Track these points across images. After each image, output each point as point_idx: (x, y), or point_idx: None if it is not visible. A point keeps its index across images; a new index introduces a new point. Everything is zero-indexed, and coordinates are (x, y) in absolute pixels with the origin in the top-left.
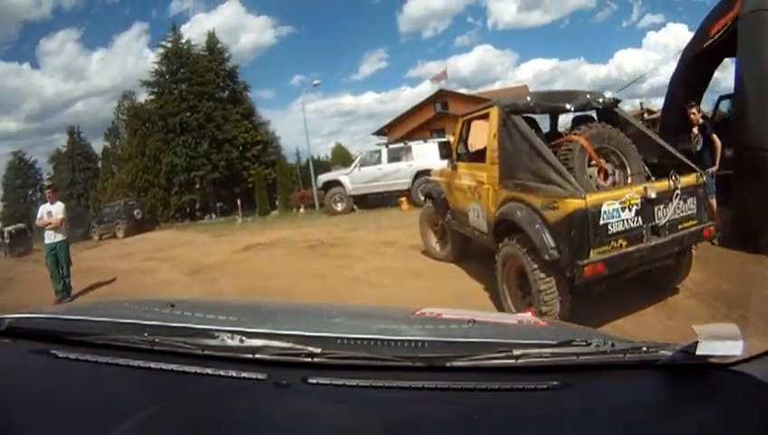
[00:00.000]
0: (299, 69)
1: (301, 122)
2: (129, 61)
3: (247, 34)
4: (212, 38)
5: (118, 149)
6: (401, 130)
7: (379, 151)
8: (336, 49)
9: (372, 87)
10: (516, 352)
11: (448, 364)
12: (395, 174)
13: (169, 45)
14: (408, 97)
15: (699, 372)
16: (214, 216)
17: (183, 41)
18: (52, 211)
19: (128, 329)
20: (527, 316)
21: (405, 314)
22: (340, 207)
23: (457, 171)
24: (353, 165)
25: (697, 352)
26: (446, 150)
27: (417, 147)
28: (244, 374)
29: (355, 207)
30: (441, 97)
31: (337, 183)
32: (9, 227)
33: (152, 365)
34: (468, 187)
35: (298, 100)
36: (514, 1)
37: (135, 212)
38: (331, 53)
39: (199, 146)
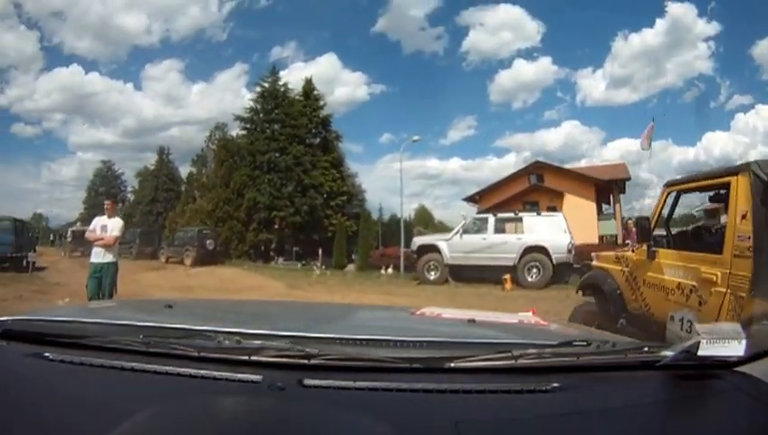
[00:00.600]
0: (388, 127)
1: (384, 180)
2: (227, 97)
3: (342, 88)
4: (309, 84)
5: (203, 176)
6: (493, 199)
7: (486, 220)
8: (426, 112)
9: (459, 153)
10: (516, 352)
11: (447, 365)
12: (501, 247)
13: (266, 85)
14: (493, 166)
15: (701, 373)
16: (283, 260)
17: (281, 83)
18: (107, 226)
19: (122, 331)
20: (528, 315)
21: (405, 313)
22: (433, 275)
23: (656, 260)
24: (455, 231)
25: (699, 353)
26: (641, 229)
27: (529, 219)
28: (240, 377)
29: (449, 278)
30: (537, 169)
31: (434, 249)
32: (74, 228)
33: (147, 367)
34: (676, 285)
35: (384, 157)
36: (603, 78)
37: (207, 242)
38: (422, 116)
39: (284, 187)
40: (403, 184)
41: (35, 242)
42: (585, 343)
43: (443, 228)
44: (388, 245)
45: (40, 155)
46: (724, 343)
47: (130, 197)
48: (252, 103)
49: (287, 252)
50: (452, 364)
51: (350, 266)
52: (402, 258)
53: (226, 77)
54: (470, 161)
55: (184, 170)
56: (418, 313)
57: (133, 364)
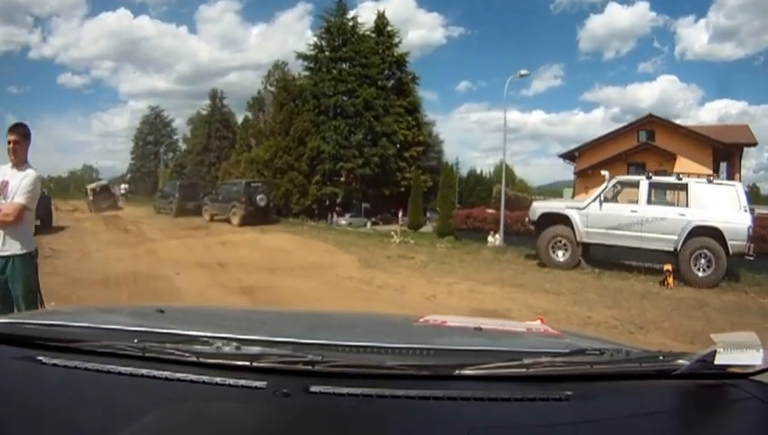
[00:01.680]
0: (466, 74)
1: (459, 132)
2: (290, 39)
3: (416, 30)
4: (381, 19)
5: (260, 121)
6: (593, 157)
7: (637, 183)
8: (508, 59)
9: (542, 106)
10: (527, 360)
11: (456, 373)
12: (657, 224)
13: (333, 20)
14: (578, 122)
15: (718, 382)
16: (350, 216)
17: (349, 16)
18: (9, 184)
19: (116, 335)
20: (536, 324)
21: (409, 321)
22: (561, 256)
23: None
24: (593, 196)
25: (716, 362)
26: None
27: (697, 188)
28: (242, 383)
29: (582, 260)
30: (648, 124)
31: (561, 219)
32: (92, 185)
33: (143, 372)
34: None
35: (460, 107)
36: (706, 29)
37: (258, 197)
38: (503, 63)
39: (352, 135)
40: (481, 136)
41: (48, 204)
42: (598, 352)
43: (524, 187)
44: (470, 204)
45: (90, 105)
46: (741, 352)
47: (182, 146)
48: (316, 40)
49: (354, 208)
50: (462, 372)
51: (427, 227)
52: (502, 224)
53: (288, 17)
54: (554, 115)
55: (242, 118)
56: (422, 320)
57: (129, 369)
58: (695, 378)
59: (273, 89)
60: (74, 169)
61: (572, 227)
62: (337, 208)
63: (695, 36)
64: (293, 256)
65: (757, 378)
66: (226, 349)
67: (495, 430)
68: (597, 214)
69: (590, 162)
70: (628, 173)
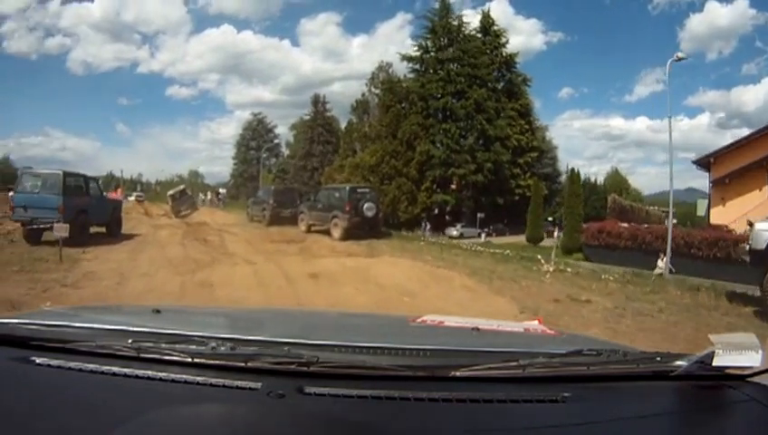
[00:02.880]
0: (567, 81)
1: (561, 139)
2: (390, 49)
3: (515, 37)
4: (486, 18)
5: (365, 125)
6: (731, 164)
7: None
8: (610, 63)
9: (645, 112)
10: (523, 361)
11: (452, 374)
12: None
13: (437, 20)
14: (683, 128)
15: (716, 384)
16: (461, 226)
17: (453, 16)
18: None
19: (112, 335)
20: (534, 324)
21: (405, 321)
22: None
23: None
24: None
25: (714, 363)
26: None
27: None
28: (237, 383)
29: None
30: None
31: None
32: (172, 190)
33: (139, 373)
34: None
35: (563, 114)
36: None
37: (365, 205)
38: (605, 67)
39: (464, 139)
40: (584, 144)
41: (114, 208)
42: (595, 353)
43: (637, 197)
44: (586, 216)
45: (197, 115)
46: (739, 354)
47: (284, 151)
48: (421, 41)
49: (465, 217)
50: (458, 373)
51: (547, 241)
52: (669, 247)
53: (388, 28)
54: (657, 121)
55: (345, 123)
56: (419, 320)
57: (125, 370)
58: (692, 379)
59: (377, 91)
60: (181, 173)
61: None
62: (447, 217)
63: None
64: (422, 301)
65: (755, 380)
66: (221, 349)
67: (491, 432)
68: None
69: (727, 169)
70: None
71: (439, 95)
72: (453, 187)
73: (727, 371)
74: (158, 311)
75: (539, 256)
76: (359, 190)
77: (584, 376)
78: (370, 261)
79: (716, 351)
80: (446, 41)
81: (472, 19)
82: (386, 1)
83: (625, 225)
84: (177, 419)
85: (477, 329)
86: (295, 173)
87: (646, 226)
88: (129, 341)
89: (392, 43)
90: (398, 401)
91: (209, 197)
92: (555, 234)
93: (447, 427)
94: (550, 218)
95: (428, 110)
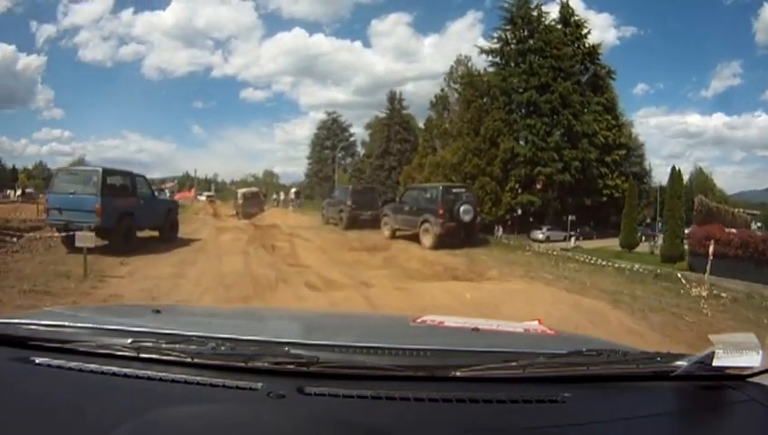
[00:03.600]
0: (642, 76)
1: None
2: (463, 48)
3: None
4: (566, 8)
5: (445, 121)
6: None
7: None
8: (685, 57)
9: (722, 107)
10: (524, 361)
11: (452, 374)
12: None
13: (515, 9)
14: (761, 125)
15: (716, 384)
16: (546, 229)
17: (532, 6)
18: None
19: (112, 335)
20: (534, 325)
21: (405, 321)
22: None
23: None
24: None
25: (714, 363)
26: None
27: None
28: (237, 383)
29: None
30: None
31: None
32: (243, 190)
33: (138, 373)
34: None
35: (639, 111)
36: None
37: (461, 209)
38: (679, 62)
39: (549, 136)
40: (661, 142)
41: (169, 210)
42: (595, 353)
43: (722, 198)
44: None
45: (272, 117)
46: (739, 354)
47: (360, 150)
48: (500, 32)
49: (549, 219)
50: (458, 373)
51: (642, 246)
52: None
53: (459, 27)
54: (735, 118)
55: (423, 122)
56: (419, 320)
57: (125, 370)
58: (693, 379)
59: (456, 86)
60: (255, 173)
61: None
62: (530, 218)
63: None
64: None
65: (755, 380)
66: (221, 349)
67: (491, 432)
68: None
69: None
70: None
71: (522, 89)
72: (538, 187)
73: (727, 371)
74: (157, 311)
75: (678, 274)
76: (453, 190)
77: (584, 376)
78: (492, 288)
79: (716, 351)
80: (526, 32)
81: (549, 10)
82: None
83: (733, 231)
84: (177, 419)
85: (477, 329)
86: (372, 172)
87: (759, 233)
88: (129, 341)
89: (464, 41)
90: (398, 401)
91: (283, 197)
92: (656, 240)
93: (447, 427)
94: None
95: (511, 104)
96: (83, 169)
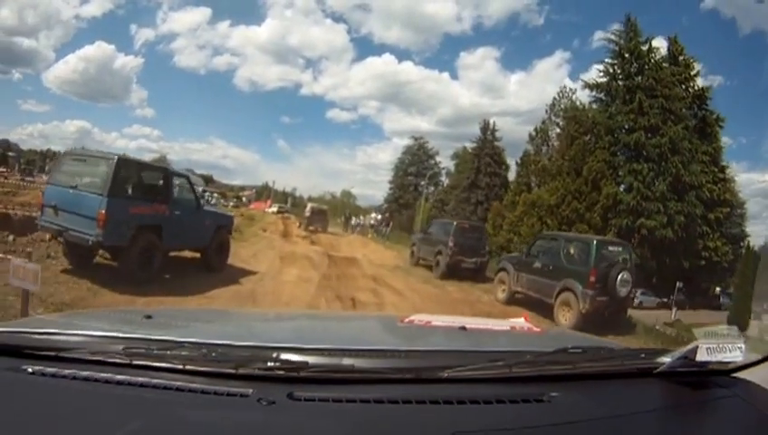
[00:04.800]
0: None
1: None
2: (548, 88)
3: None
4: (675, 44)
5: (543, 157)
6: None
7: None
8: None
9: None
10: (510, 361)
11: (440, 375)
12: None
13: (622, 42)
14: None
15: (699, 379)
16: (641, 293)
17: (642, 39)
18: None
19: (104, 342)
20: (520, 322)
21: (393, 321)
22: None
23: None
24: None
25: (697, 359)
26: None
27: None
28: (228, 390)
29: None
30: None
31: None
32: (313, 204)
33: (130, 380)
34: None
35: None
36: None
37: (618, 277)
38: (762, 116)
39: (654, 184)
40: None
41: (219, 227)
42: (581, 351)
43: None
44: None
45: (355, 139)
46: (722, 349)
47: (444, 181)
48: (606, 66)
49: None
50: (445, 374)
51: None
52: None
53: (546, 66)
54: None
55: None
56: (407, 320)
57: (117, 377)
58: (676, 375)
59: (557, 120)
60: (333, 191)
61: None
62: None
63: None
64: None
65: (737, 374)
66: (213, 355)
67: (478, 433)
68: None
69: None
70: None
71: (630, 127)
72: (636, 240)
73: (710, 366)
74: (149, 316)
75: None
76: (610, 248)
77: (570, 375)
78: None
79: (699, 346)
80: (634, 67)
81: (657, 45)
82: (544, 38)
83: None
84: (170, 426)
85: (464, 328)
86: (456, 205)
87: None
88: (121, 348)
89: (549, 82)
90: (386, 404)
91: (363, 221)
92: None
93: (435, 429)
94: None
95: (616, 145)
96: (94, 153)
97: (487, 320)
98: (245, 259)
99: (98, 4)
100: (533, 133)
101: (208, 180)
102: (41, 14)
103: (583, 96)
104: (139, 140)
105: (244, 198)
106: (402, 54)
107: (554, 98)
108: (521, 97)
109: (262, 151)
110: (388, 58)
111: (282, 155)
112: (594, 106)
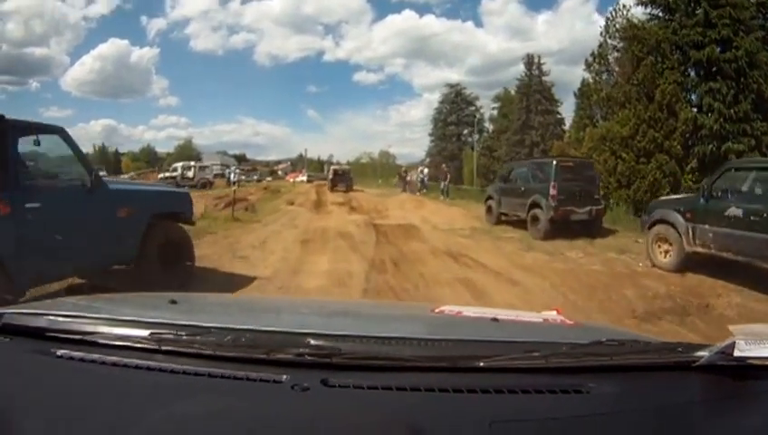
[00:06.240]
0: None
1: None
2: (577, 25)
3: None
4: None
5: (605, 85)
6: None
7: None
8: None
9: None
10: (546, 352)
11: (476, 364)
12: None
13: None
14: None
15: (737, 374)
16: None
17: None
18: None
19: (130, 327)
20: (553, 314)
21: (425, 311)
22: None
23: None
24: None
25: (735, 353)
26: None
27: None
28: (261, 376)
29: None
30: None
31: None
32: (334, 166)
33: (159, 366)
34: None
35: None
36: None
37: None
38: None
39: (735, 104)
40: None
41: (174, 212)
42: (617, 343)
43: None
44: None
45: (386, 99)
46: (760, 344)
47: (488, 126)
48: None
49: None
50: (481, 363)
51: None
52: None
53: (573, 3)
54: None
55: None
56: (437, 310)
57: (147, 363)
58: (714, 370)
59: (614, 42)
60: (371, 152)
61: None
62: None
63: None
64: None
65: None
66: (242, 340)
67: (517, 422)
68: None
69: None
70: None
71: (699, 42)
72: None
73: (749, 361)
74: (174, 301)
75: None
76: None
77: (607, 366)
78: None
79: (737, 341)
80: None
81: None
82: None
83: None
84: (203, 411)
85: (497, 319)
86: (509, 149)
87: None
88: (148, 332)
89: (578, 18)
90: (423, 391)
91: (411, 176)
92: None
93: (473, 417)
94: None
95: (686, 63)
96: None
97: (519, 311)
98: (245, 250)
99: (104, 2)
100: (590, 59)
101: (241, 159)
102: (48, 21)
103: (638, 14)
104: (167, 130)
105: (279, 172)
106: (422, 9)
107: (607, 18)
108: (550, 37)
109: (292, 124)
110: (408, 13)
111: (313, 124)
112: (652, 24)
